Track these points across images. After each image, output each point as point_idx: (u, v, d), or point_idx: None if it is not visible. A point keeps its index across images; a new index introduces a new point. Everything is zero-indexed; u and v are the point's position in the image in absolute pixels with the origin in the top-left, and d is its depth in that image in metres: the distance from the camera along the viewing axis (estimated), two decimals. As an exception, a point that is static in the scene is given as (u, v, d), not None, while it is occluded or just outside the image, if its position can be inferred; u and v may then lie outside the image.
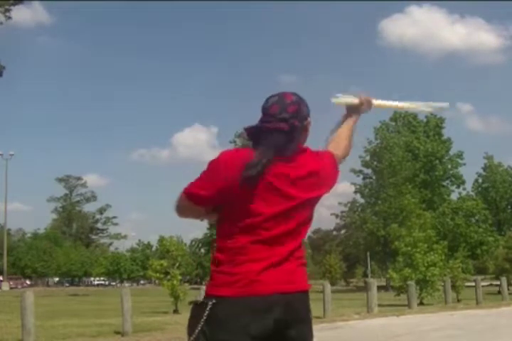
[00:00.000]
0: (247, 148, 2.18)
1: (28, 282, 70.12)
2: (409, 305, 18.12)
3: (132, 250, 79.56)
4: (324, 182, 2.23)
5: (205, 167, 2.16)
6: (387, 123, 57.49)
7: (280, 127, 2.17)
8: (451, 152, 58.79)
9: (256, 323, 2.02)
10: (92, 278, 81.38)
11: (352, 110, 2.65)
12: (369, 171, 51.40)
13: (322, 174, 2.20)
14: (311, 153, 2.23)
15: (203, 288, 13.41)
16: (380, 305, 16.90)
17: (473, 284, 21.69)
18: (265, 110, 2.24)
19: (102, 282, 79.92)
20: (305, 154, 2.20)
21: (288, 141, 2.16)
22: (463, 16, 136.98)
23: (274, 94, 2.28)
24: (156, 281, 28.64)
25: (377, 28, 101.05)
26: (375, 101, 2.71)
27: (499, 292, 24.53)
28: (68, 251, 75.30)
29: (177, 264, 19.25)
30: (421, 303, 20.01)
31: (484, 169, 61.11)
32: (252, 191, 2.07)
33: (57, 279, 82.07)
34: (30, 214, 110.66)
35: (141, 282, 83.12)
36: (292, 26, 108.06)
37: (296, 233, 2.13)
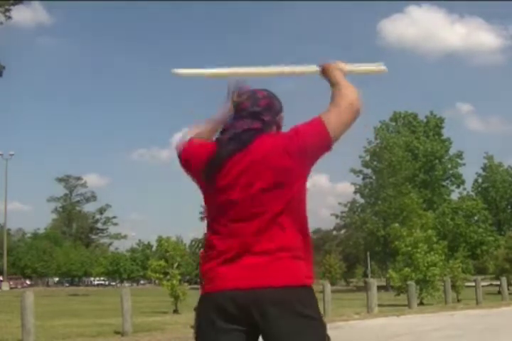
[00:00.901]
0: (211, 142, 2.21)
1: (28, 282, 70.14)
2: (409, 305, 18.12)
3: (132, 250, 79.56)
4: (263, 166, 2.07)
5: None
6: (387, 123, 57.53)
7: (253, 127, 2.17)
8: (451, 152, 58.85)
9: (220, 320, 2.00)
10: (92, 278, 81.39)
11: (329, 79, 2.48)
12: (369, 171, 51.39)
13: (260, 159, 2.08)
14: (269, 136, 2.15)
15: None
16: (380, 305, 16.90)
17: (473, 284, 21.70)
18: (237, 106, 2.27)
19: (102, 282, 79.93)
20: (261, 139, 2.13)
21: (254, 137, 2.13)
22: (462, 16, 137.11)
23: (245, 91, 2.31)
24: (156, 281, 28.65)
25: (377, 28, 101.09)
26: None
27: (499, 292, 24.53)
28: (68, 251, 75.31)
29: (176, 264, 19.24)
30: (421, 303, 20.01)
31: (484, 169, 61.12)
32: (213, 185, 2.09)
33: (57, 279, 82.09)
34: (30, 214, 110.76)
35: (141, 282, 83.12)
36: (291, 26, 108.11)
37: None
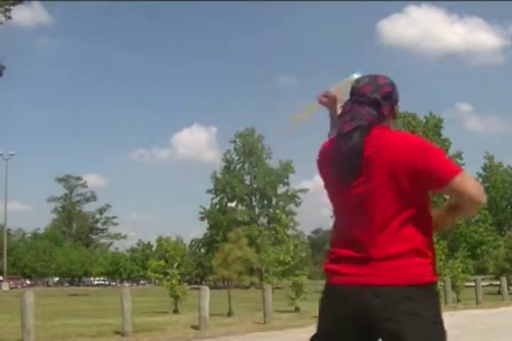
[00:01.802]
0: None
1: (28, 282, 70.09)
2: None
3: (132, 250, 79.54)
4: None
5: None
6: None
7: (374, 120, 2.19)
8: (451, 152, 58.83)
9: None
10: (91, 278, 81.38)
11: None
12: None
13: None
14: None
15: (203, 287, 13.41)
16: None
17: (473, 284, 21.70)
18: (356, 90, 2.24)
19: (102, 282, 79.90)
20: None
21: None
22: (462, 16, 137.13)
23: (364, 76, 2.29)
24: (156, 281, 28.66)
25: (376, 28, 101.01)
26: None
27: (499, 292, 24.52)
28: (68, 251, 75.28)
29: (176, 264, 19.24)
30: (421, 303, 19.98)
31: (484, 169, 61.13)
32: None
33: (57, 279, 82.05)
34: (30, 214, 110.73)
35: (141, 282, 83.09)
36: (291, 26, 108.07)
37: None
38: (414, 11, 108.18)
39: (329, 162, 2.22)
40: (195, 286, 32.66)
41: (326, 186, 2.29)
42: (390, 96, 2.23)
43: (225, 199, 69.93)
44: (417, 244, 2.10)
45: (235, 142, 70.42)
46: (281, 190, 70.67)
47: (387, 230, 2.10)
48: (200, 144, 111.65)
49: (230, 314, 15.78)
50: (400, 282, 2.05)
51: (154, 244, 69.94)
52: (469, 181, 2.08)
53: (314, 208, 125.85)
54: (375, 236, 2.10)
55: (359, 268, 2.10)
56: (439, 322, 2.10)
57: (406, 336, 2.01)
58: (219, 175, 69.64)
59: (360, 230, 2.13)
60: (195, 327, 12.11)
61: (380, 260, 2.08)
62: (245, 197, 70.28)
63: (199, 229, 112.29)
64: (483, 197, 2.10)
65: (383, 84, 2.23)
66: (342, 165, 2.14)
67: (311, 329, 2.36)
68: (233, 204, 69.98)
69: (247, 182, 70.83)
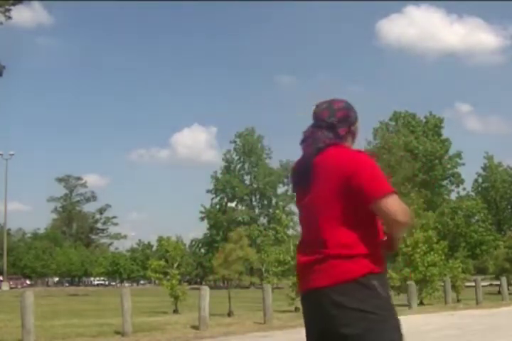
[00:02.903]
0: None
1: (28, 282, 70.07)
2: (409, 305, 18.12)
3: (132, 250, 79.55)
4: None
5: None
6: (387, 124, 57.53)
7: (332, 142, 2.44)
8: (451, 152, 58.86)
9: None
10: (91, 278, 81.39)
11: None
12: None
13: None
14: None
15: (203, 287, 13.41)
16: (380, 305, 16.87)
17: (473, 284, 21.69)
18: (316, 115, 2.51)
19: (102, 282, 79.91)
20: None
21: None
22: (461, 16, 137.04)
23: (323, 101, 2.54)
24: (156, 281, 28.68)
25: (375, 29, 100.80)
26: None
27: (499, 292, 24.51)
28: (68, 251, 75.30)
29: (176, 264, 19.24)
30: (421, 303, 20.00)
31: (484, 169, 61.13)
32: None
33: (57, 279, 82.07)
34: (30, 214, 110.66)
35: (141, 282, 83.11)
36: (290, 26, 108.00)
37: None
38: (413, 11, 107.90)
39: (294, 178, 2.56)
40: (195, 286, 32.66)
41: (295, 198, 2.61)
42: (345, 119, 2.48)
43: (225, 199, 69.98)
44: (355, 249, 2.30)
45: (235, 142, 70.48)
46: (281, 190, 70.79)
47: (329, 236, 2.33)
48: (200, 144, 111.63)
49: (230, 314, 15.78)
50: (331, 281, 2.26)
51: (154, 244, 70.07)
52: (394, 202, 2.27)
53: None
54: (319, 242, 2.34)
55: (309, 273, 2.34)
56: (379, 313, 2.25)
57: (339, 330, 2.24)
58: (219, 175, 69.68)
59: (310, 237, 2.42)
60: (195, 327, 12.11)
61: (321, 262, 2.31)
62: (245, 197, 70.31)
63: (199, 229, 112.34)
64: (406, 219, 2.29)
65: (338, 109, 2.48)
66: (300, 180, 2.48)
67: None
68: (233, 204, 70.06)
69: (247, 182, 70.88)
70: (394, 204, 2.25)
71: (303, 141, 2.50)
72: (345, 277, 2.25)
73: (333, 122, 2.44)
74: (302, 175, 2.45)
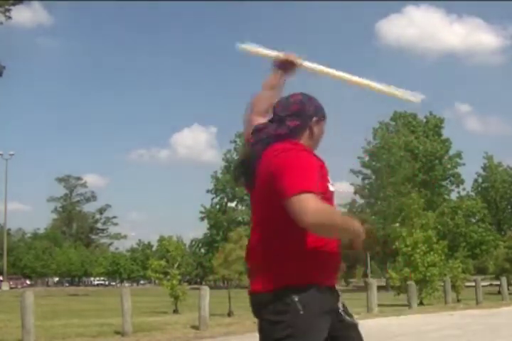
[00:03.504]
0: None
1: (28, 282, 70.07)
2: (409, 305, 18.13)
3: (132, 250, 79.56)
4: None
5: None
6: (387, 123, 57.53)
7: (277, 133, 2.28)
8: (451, 152, 58.85)
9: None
10: (91, 278, 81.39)
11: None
12: (368, 171, 51.42)
13: None
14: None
15: (203, 287, 13.42)
16: (380, 305, 16.90)
17: (473, 284, 21.69)
18: (273, 109, 2.39)
19: (102, 282, 79.92)
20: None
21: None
22: (461, 16, 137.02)
23: (284, 96, 2.43)
24: (156, 281, 28.69)
25: (375, 29, 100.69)
26: (304, 63, 2.76)
27: (499, 292, 24.52)
28: (68, 251, 75.30)
29: (176, 264, 19.25)
30: (421, 303, 20.01)
31: (484, 169, 61.13)
32: None
33: (57, 279, 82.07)
34: (30, 214, 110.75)
35: (141, 282, 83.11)
36: (290, 26, 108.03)
37: None
38: (413, 11, 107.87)
39: (236, 171, 2.40)
40: (195, 286, 32.67)
41: None
42: (298, 112, 2.30)
43: (225, 199, 69.98)
44: (274, 254, 2.16)
45: (235, 142, 70.45)
46: (281, 189, 70.59)
47: (258, 241, 2.22)
48: (200, 144, 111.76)
49: (230, 314, 15.79)
50: (258, 288, 2.19)
51: (154, 244, 70.10)
52: (304, 203, 1.97)
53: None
54: (253, 247, 2.25)
55: (250, 278, 2.28)
56: (279, 323, 2.10)
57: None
58: (219, 175, 69.69)
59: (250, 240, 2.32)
60: (195, 327, 12.11)
61: (253, 270, 2.24)
62: (245, 197, 70.29)
63: (199, 229, 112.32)
64: (314, 220, 1.95)
65: (293, 102, 2.33)
66: (244, 175, 2.33)
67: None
68: (233, 204, 70.05)
69: (247, 182, 70.87)
70: (301, 204, 1.97)
71: (252, 133, 2.35)
72: (265, 287, 2.15)
73: (284, 116, 2.29)
74: (245, 169, 2.29)
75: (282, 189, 2.04)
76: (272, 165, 2.14)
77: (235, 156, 70.66)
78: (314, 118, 2.32)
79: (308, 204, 1.96)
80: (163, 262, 19.25)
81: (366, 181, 51.98)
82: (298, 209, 1.97)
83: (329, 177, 2.28)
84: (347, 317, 2.28)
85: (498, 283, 27.36)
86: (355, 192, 51.63)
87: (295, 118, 2.30)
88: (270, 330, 2.12)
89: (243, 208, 70.11)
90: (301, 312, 2.07)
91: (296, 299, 2.09)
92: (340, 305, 2.26)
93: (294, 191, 1.99)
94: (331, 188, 2.26)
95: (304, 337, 2.08)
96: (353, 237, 2.18)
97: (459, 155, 58.68)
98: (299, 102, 2.33)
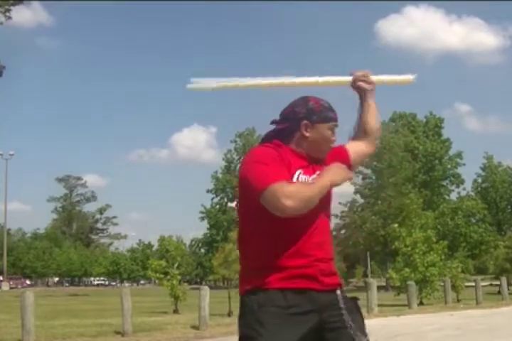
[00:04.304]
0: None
1: (28, 282, 70.04)
2: (409, 305, 18.13)
3: (132, 250, 79.54)
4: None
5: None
6: (387, 124, 57.54)
7: (265, 136, 2.36)
8: (451, 152, 58.86)
9: None
10: (92, 278, 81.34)
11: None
12: (368, 171, 51.43)
13: None
14: None
15: (203, 287, 13.42)
16: (380, 305, 16.90)
17: (473, 284, 21.69)
18: None
19: (102, 282, 79.89)
20: None
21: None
22: (460, 16, 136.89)
23: None
24: (156, 281, 28.68)
25: (374, 29, 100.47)
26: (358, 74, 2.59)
27: (499, 292, 24.52)
28: (68, 251, 75.29)
29: (176, 264, 19.25)
30: (421, 303, 20.01)
31: (484, 169, 61.13)
32: None
33: (57, 279, 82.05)
34: (30, 214, 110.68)
35: (141, 282, 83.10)
36: (289, 26, 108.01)
37: None
38: (412, 11, 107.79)
39: None
40: (195, 286, 32.66)
41: None
42: (288, 115, 2.31)
43: (225, 199, 70.01)
44: (247, 260, 2.24)
45: (235, 142, 70.50)
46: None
47: (239, 246, 2.30)
48: (200, 144, 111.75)
49: (230, 314, 15.79)
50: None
51: (155, 243, 70.07)
52: (271, 197, 2.04)
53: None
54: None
55: None
56: (240, 329, 2.19)
57: None
58: (219, 175, 69.72)
59: None
60: (195, 327, 12.12)
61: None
62: (245, 197, 70.36)
63: (199, 229, 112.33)
64: (292, 202, 2.03)
65: (288, 105, 2.35)
66: None
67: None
68: (233, 204, 70.03)
69: (247, 182, 70.88)
70: (270, 198, 2.04)
71: None
72: (240, 290, 2.23)
73: (279, 119, 2.33)
74: None
75: (250, 193, 2.12)
76: (239, 175, 2.24)
77: (235, 156, 70.72)
78: (304, 122, 2.28)
79: (276, 195, 2.03)
80: (163, 262, 19.26)
81: (367, 181, 51.96)
82: (271, 204, 2.05)
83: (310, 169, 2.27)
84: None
85: (498, 283, 27.35)
86: (356, 192, 51.61)
87: (284, 121, 2.31)
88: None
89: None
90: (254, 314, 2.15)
91: (253, 301, 2.17)
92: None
93: (259, 190, 2.07)
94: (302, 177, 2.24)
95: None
96: (334, 186, 2.21)
97: (459, 155, 58.70)
98: (291, 105, 2.33)
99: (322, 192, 2.14)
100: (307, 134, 2.28)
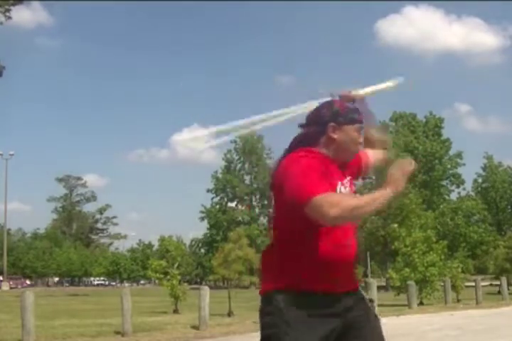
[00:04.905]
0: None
1: (28, 282, 70.02)
2: (409, 305, 18.13)
3: (132, 250, 79.52)
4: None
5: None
6: (387, 124, 57.52)
7: (294, 141, 2.40)
8: (451, 152, 58.82)
9: None
10: (92, 278, 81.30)
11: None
12: (369, 171, 51.38)
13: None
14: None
15: (203, 287, 13.42)
16: (379, 305, 16.84)
17: (473, 284, 21.69)
18: None
19: (102, 282, 79.85)
20: None
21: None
22: (460, 16, 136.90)
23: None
24: (156, 281, 28.69)
25: (374, 29, 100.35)
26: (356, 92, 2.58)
27: (499, 292, 24.52)
28: (68, 251, 75.27)
29: (176, 264, 19.24)
30: (421, 303, 20.01)
31: (484, 169, 61.10)
32: None
33: (57, 279, 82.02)
34: (30, 214, 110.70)
35: (141, 282, 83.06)
36: (289, 27, 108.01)
37: None
38: (412, 11, 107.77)
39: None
40: (195, 286, 32.67)
41: None
42: (315, 119, 2.34)
43: (225, 199, 69.99)
44: (283, 260, 2.28)
45: (235, 142, 70.47)
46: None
47: (276, 244, 2.37)
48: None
49: (230, 314, 15.79)
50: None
51: (155, 243, 70.04)
52: (317, 205, 2.10)
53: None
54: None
55: None
56: (261, 328, 2.27)
57: None
58: (219, 175, 69.71)
59: None
60: (195, 327, 12.12)
61: None
62: (245, 197, 70.30)
63: (199, 229, 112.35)
64: (337, 212, 2.09)
65: (314, 109, 2.37)
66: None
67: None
68: (233, 204, 70.08)
69: (247, 182, 70.88)
70: (317, 208, 2.10)
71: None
72: (266, 287, 2.30)
73: (305, 124, 2.37)
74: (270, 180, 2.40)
75: (292, 201, 2.15)
76: (276, 179, 2.28)
77: (235, 156, 70.76)
78: (331, 124, 2.30)
79: (322, 208, 2.08)
80: (163, 262, 19.26)
81: (367, 181, 51.95)
82: (318, 213, 2.10)
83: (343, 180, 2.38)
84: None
85: (498, 283, 27.34)
86: (356, 192, 51.61)
87: (311, 125, 2.34)
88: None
89: (243, 208, 70.13)
90: (280, 313, 2.22)
91: (279, 300, 2.23)
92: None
93: (305, 200, 2.11)
94: (342, 189, 2.37)
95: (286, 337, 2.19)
96: (390, 200, 2.23)
97: (459, 155, 58.66)
98: (316, 109, 2.37)
99: (375, 201, 2.17)
100: (335, 136, 2.31)
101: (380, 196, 2.17)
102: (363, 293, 2.36)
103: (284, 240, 2.29)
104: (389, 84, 2.66)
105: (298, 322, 2.17)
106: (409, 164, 2.31)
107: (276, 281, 2.24)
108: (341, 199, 2.15)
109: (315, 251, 2.22)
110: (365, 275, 65.21)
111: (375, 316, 2.39)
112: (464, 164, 58.83)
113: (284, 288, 2.22)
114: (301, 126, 2.37)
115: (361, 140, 2.38)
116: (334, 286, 2.25)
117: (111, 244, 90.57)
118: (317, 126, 2.31)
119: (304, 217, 2.15)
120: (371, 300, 2.40)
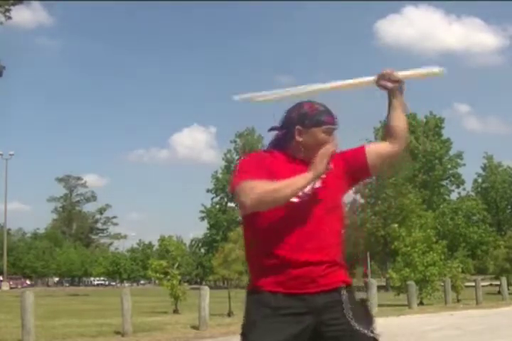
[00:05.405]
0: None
1: (28, 282, 70.02)
2: (409, 305, 18.13)
3: (132, 250, 79.53)
4: None
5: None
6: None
7: (270, 142, 2.46)
8: (451, 152, 58.82)
9: None
10: (92, 278, 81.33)
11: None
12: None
13: None
14: None
15: (203, 287, 13.43)
16: (380, 305, 16.89)
17: (473, 284, 21.69)
18: None
19: (102, 282, 79.86)
20: None
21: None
22: (460, 17, 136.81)
23: None
24: (156, 281, 28.70)
25: (373, 29, 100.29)
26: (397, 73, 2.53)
27: (499, 292, 24.52)
28: (68, 251, 75.28)
29: (176, 264, 19.23)
30: (421, 303, 20.01)
31: (484, 169, 61.10)
32: None
33: (57, 279, 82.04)
34: (30, 214, 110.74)
35: (141, 282, 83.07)
36: (289, 26, 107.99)
37: None
38: (412, 12, 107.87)
39: None
40: (195, 286, 32.67)
41: None
42: (283, 122, 2.37)
43: (225, 199, 70.00)
44: (248, 262, 2.41)
45: (235, 142, 70.49)
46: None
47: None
48: (199, 144, 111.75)
49: (230, 314, 15.79)
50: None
51: (155, 243, 70.04)
52: (239, 192, 2.18)
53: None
54: None
55: None
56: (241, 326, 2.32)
57: None
58: (219, 175, 69.72)
59: None
60: (195, 327, 12.12)
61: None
62: (245, 197, 70.31)
63: (199, 229, 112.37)
64: (248, 200, 2.15)
65: (285, 112, 2.38)
66: None
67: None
68: (233, 204, 70.05)
69: (247, 182, 70.89)
70: (239, 192, 2.18)
71: None
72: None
73: (275, 127, 2.41)
74: None
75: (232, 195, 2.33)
76: None
77: (235, 156, 70.76)
78: (297, 127, 2.30)
79: (242, 192, 2.16)
80: (163, 262, 19.25)
81: (367, 181, 51.94)
82: (239, 199, 2.18)
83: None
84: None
85: (498, 283, 27.35)
86: (356, 192, 51.58)
87: (281, 128, 2.36)
88: None
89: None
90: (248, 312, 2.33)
91: (248, 300, 2.36)
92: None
93: (231, 189, 2.23)
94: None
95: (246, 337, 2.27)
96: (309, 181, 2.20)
97: (459, 155, 58.68)
98: (286, 111, 2.37)
99: (295, 184, 2.16)
100: (300, 139, 2.31)
101: (301, 178, 2.17)
102: (347, 293, 2.26)
103: (245, 243, 2.40)
104: (435, 70, 2.60)
105: (264, 322, 2.20)
106: (331, 146, 2.23)
107: (249, 283, 2.35)
108: (261, 183, 2.15)
109: (268, 254, 2.23)
110: (365, 276, 65.16)
111: (360, 318, 2.28)
112: (464, 164, 58.90)
113: (251, 289, 2.31)
114: (272, 129, 2.40)
115: (333, 141, 2.29)
116: (296, 288, 2.22)
117: (111, 244, 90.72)
118: (287, 129, 2.33)
119: (250, 218, 2.25)
120: (364, 300, 2.36)
